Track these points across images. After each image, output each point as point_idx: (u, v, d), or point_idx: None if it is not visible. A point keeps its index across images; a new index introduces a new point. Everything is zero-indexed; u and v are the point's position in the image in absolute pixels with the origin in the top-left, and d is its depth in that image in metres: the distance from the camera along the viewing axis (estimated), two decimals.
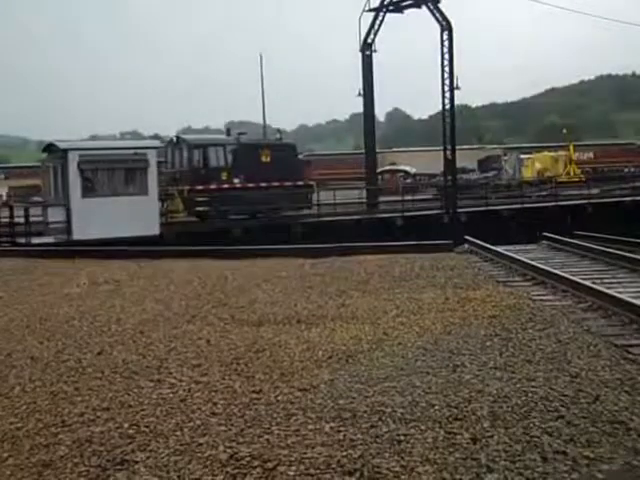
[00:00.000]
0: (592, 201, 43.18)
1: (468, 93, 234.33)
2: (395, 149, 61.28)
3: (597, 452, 6.62)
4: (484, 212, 41.36)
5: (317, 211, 41.34)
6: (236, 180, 40.13)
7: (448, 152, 44.22)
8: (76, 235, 31.02)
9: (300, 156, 73.66)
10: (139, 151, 33.55)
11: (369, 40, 46.18)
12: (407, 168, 66.95)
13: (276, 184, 40.16)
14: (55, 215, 32.23)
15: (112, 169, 32.83)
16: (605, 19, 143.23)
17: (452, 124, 43.61)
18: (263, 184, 40.02)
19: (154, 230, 32.28)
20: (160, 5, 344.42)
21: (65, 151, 32.67)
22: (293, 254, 23.43)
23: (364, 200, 45.90)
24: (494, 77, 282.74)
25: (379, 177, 60.53)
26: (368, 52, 46.32)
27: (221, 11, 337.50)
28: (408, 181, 64.70)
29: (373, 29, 46.21)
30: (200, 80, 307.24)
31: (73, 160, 31.92)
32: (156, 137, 71.01)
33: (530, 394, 8.15)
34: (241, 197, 39.23)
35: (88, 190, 32.22)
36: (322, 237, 29.48)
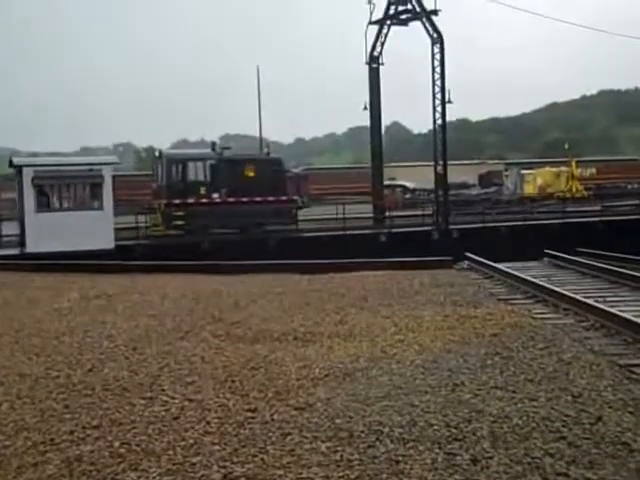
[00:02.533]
0: (596, 219, 42.87)
1: (468, 107, 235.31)
2: (394, 164, 61.30)
3: (600, 474, 6.49)
4: (478, 229, 40.80)
5: (296, 227, 41.47)
6: (215, 195, 40.18)
7: (439, 167, 43.96)
8: (29, 248, 32.11)
9: (297, 170, 73.86)
10: (94, 167, 34.46)
11: (375, 53, 46.01)
12: (406, 183, 66.94)
13: (258, 199, 40.06)
14: (11, 229, 33.95)
15: (67, 184, 33.94)
16: (607, 33, 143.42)
17: (444, 138, 43.39)
18: (244, 199, 39.98)
19: (109, 244, 33.01)
20: (158, 17, 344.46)
21: (20, 167, 33.86)
22: (290, 269, 23.32)
23: (363, 215, 45.63)
24: (495, 91, 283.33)
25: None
26: (375, 65, 46.15)
27: (218, 23, 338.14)
28: (407, 196, 64.67)
29: (379, 41, 46.04)
30: (197, 92, 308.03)
31: (27, 175, 33.00)
32: (151, 149, 71.26)
33: (531, 414, 8.01)
34: (219, 212, 39.43)
35: (42, 205, 33.24)
36: (298, 253, 29.31)
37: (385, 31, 46.08)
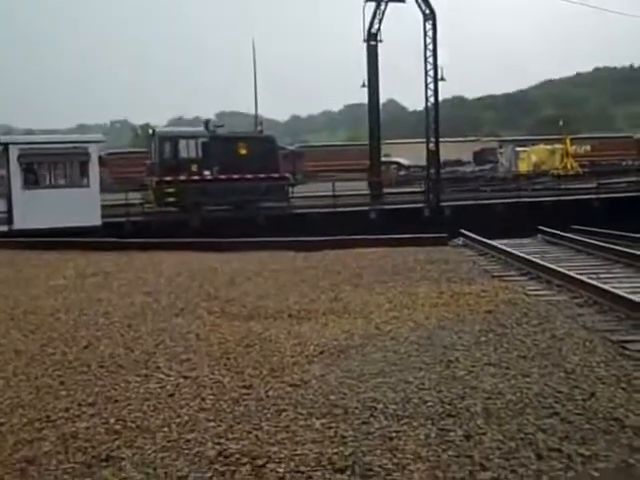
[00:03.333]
0: (592, 196, 42.76)
1: (463, 85, 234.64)
2: (389, 141, 61.22)
3: (592, 450, 6.51)
4: (471, 206, 40.74)
5: (287, 204, 41.81)
6: (207, 172, 40.54)
7: (431, 144, 43.85)
8: (17, 225, 32.74)
9: (292, 147, 73.68)
10: (80, 145, 35.07)
11: (373, 30, 45.72)
12: (401, 160, 66.77)
13: (250, 176, 40.19)
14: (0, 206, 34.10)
15: (53, 162, 34.85)
16: (603, 10, 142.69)
17: (436, 116, 43.29)
18: (236, 176, 40.25)
19: (95, 221, 33.52)
20: None
21: (6, 145, 34.42)
22: (285, 247, 23.32)
23: (358, 193, 45.53)
24: (490, 69, 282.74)
25: None
26: (373, 42, 45.91)
27: (210, 4, 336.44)
28: (402, 173, 64.54)
29: (376, 19, 45.74)
30: (193, 70, 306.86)
31: (13, 153, 33.67)
32: (147, 126, 71.41)
33: (524, 390, 8.04)
34: (211, 189, 39.84)
35: (29, 182, 34.04)
36: (289, 229, 29.40)
37: (383, 8, 45.82)
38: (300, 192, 44.38)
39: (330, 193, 41.13)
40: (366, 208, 40.22)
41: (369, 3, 45.79)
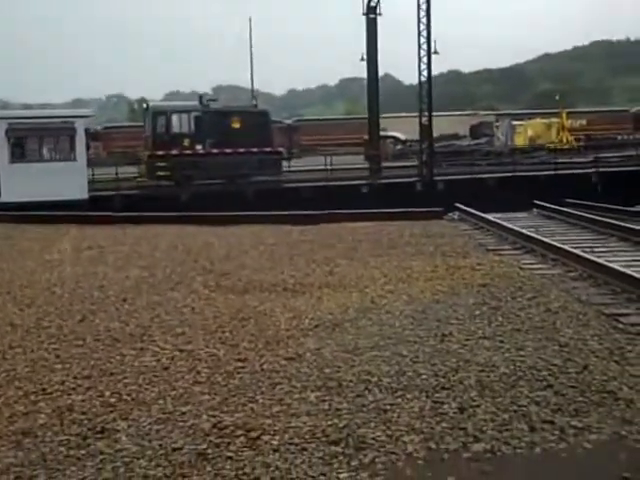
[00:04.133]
0: (589, 170, 42.53)
1: (460, 59, 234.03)
2: (386, 115, 61.14)
3: (585, 422, 6.55)
4: (465, 180, 40.40)
5: (278, 178, 41.89)
6: (199, 146, 40.70)
7: (424, 118, 43.68)
8: (4, 198, 32.86)
9: (289, 121, 73.49)
10: (67, 119, 35.46)
11: (372, 3, 45.42)
12: (397, 134, 66.61)
13: (242, 150, 40.24)
14: None
15: (40, 136, 35.11)
16: None
17: (429, 89, 42.95)
18: (228, 150, 40.33)
19: (82, 194, 33.89)
20: None
21: None
22: (280, 221, 23.32)
23: (354, 167, 45.42)
24: (487, 43, 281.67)
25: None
26: (372, 15, 45.61)
27: None
28: (399, 147, 64.43)
29: None
30: (191, 43, 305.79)
31: (1, 128, 34.00)
32: (142, 101, 71.50)
33: (518, 363, 8.08)
34: (203, 163, 39.98)
35: (16, 156, 34.40)
36: (280, 204, 29.37)
37: None
38: (297, 166, 44.36)
39: (330, 167, 41.06)
40: (358, 182, 40.02)
41: None
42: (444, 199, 29.12)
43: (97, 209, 29.10)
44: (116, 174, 37.81)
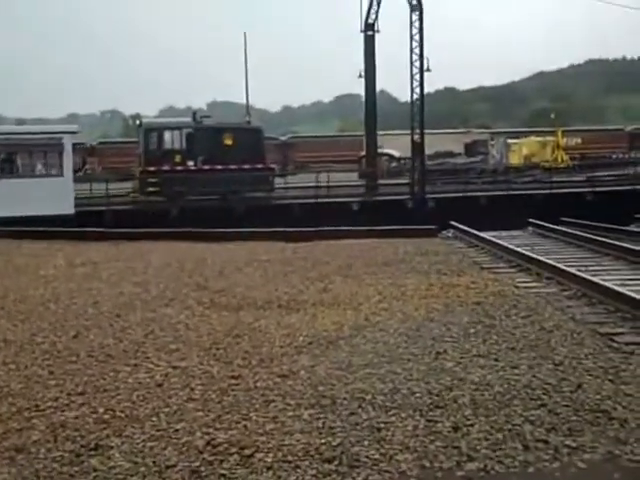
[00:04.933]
0: (585, 189, 42.52)
1: (455, 76, 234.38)
2: (381, 132, 61.20)
3: (579, 441, 6.54)
4: (456, 198, 40.28)
5: (268, 194, 42.09)
6: (190, 163, 41.08)
7: (417, 136, 43.71)
8: None
9: (284, 137, 73.63)
10: (55, 135, 35.70)
11: (370, 20, 45.46)
12: (392, 152, 66.70)
13: (233, 167, 40.47)
14: None
15: (28, 152, 35.51)
16: (597, 1, 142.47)
17: (421, 107, 43.00)
18: (219, 167, 40.66)
19: (68, 210, 33.95)
20: None
21: None
22: (274, 237, 23.34)
23: (340, 184, 45.37)
24: (482, 61, 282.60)
25: (364, 160, 60.34)
26: (370, 32, 45.65)
27: None
28: (393, 165, 64.50)
29: (372, 9, 45.44)
30: (185, 59, 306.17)
31: None
32: (137, 116, 71.82)
33: (513, 382, 8.08)
34: (195, 179, 40.13)
35: (4, 171, 34.86)
36: (271, 221, 29.46)
37: None
38: (293, 182, 44.40)
39: (316, 184, 41.10)
40: (348, 199, 40.00)
41: None
42: (436, 217, 29.22)
43: (85, 224, 29.08)
44: (107, 190, 37.91)
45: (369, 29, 45.54)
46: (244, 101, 51.60)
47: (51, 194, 33.37)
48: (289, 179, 45.99)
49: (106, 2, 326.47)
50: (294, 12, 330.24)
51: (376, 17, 45.34)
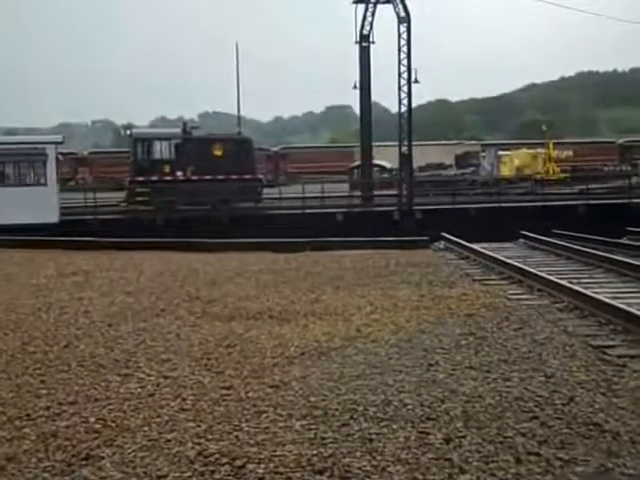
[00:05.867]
0: (579, 202, 42.52)
1: (447, 88, 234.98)
2: (374, 143, 61.18)
3: (571, 454, 6.53)
4: (444, 210, 40.04)
5: (256, 204, 42.69)
6: (179, 173, 41.63)
7: (404, 147, 43.78)
8: None
9: (275, 148, 73.93)
10: (39, 146, 36.54)
11: (365, 32, 45.45)
12: (383, 163, 66.78)
13: (221, 177, 40.79)
14: None
15: (13, 162, 36.40)
16: (588, 13, 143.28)
17: (409, 118, 43.15)
18: (208, 177, 41.15)
19: (52, 218, 34.52)
20: None
21: None
22: (267, 248, 23.36)
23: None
24: (474, 72, 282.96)
25: (354, 171, 60.37)
26: (365, 43, 45.64)
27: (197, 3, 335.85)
28: (385, 176, 64.56)
29: (367, 20, 45.45)
30: (177, 69, 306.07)
31: None
32: (128, 126, 72.15)
33: (504, 394, 8.06)
34: (183, 189, 40.66)
35: None
36: (258, 231, 29.62)
37: (372, 9, 45.50)
38: (288, 193, 44.44)
39: (307, 195, 41.13)
40: (334, 210, 39.99)
41: (360, 5, 45.63)
42: (424, 228, 29.30)
43: (71, 233, 29.27)
44: (94, 199, 38.13)
45: (364, 40, 45.57)
46: (236, 112, 51.74)
47: (35, 203, 34.00)
48: (283, 189, 45.99)
49: (98, 11, 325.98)
50: (287, 22, 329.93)
51: (371, 28, 45.40)
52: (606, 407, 7.66)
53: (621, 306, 11.89)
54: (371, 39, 45.65)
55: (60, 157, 37.66)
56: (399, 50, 42.83)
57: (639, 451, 6.59)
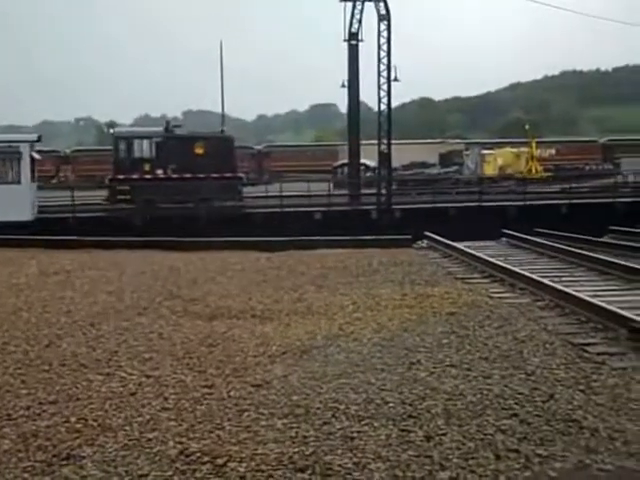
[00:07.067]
0: (561, 201, 42.53)
1: (432, 86, 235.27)
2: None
3: (550, 450, 6.58)
4: (424, 209, 39.62)
5: (236, 203, 42.41)
6: (159, 171, 41.79)
7: (383, 146, 43.80)
8: None
9: (259, 147, 74.00)
10: (13, 144, 36.36)
11: (353, 30, 45.34)
12: (367, 161, 66.82)
13: (202, 176, 40.82)
14: None
15: None
16: (571, 12, 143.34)
17: (389, 116, 43.18)
18: (188, 175, 41.20)
19: (25, 216, 34.45)
20: None
21: None
22: (249, 247, 23.33)
23: (302, 194, 45.32)
24: (458, 71, 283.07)
25: (338, 170, 60.47)
26: (354, 42, 45.53)
27: (181, 2, 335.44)
28: (368, 175, 64.58)
29: (355, 18, 45.33)
30: (160, 67, 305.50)
31: None
32: (111, 124, 72.08)
33: (485, 392, 8.11)
34: (163, 188, 40.50)
35: None
36: (238, 229, 29.58)
37: (360, 7, 45.36)
38: (273, 191, 44.37)
39: (285, 194, 41.10)
40: (312, 209, 39.90)
41: (347, 3, 45.51)
42: (403, 227, 29.33)
43: (47, 231, 29.37)
44: (72, 197, 38.10)
45: (353, 38, 45.47)
46: (219, 110, 51.64)
47: (8, 201, 33.89)
48: (268, 188, 46.00)
49: (81, 11, 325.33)
50: (267, 19, 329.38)
51: (359, 26, 45.32)
52: (585, 404, 7.72)
53: (602, 304, 11.95)
54: (360, 37, 45.57)
55: (37, 155, 37.30)
56: (379, 48, 42.85)
57: (617, 447, 6.64)
